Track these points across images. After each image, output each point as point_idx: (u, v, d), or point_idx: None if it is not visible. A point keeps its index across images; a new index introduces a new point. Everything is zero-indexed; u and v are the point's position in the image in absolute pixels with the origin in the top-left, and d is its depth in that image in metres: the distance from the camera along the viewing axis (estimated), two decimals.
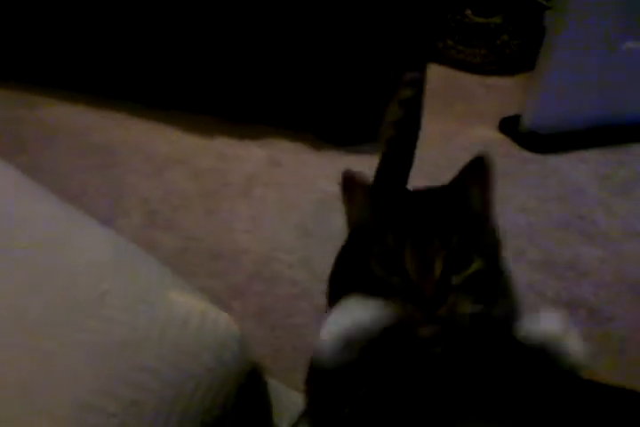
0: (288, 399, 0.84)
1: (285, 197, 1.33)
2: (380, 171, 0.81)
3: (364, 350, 0.52)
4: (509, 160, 1.51)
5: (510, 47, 2.00)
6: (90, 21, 1.51)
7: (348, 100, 1.50)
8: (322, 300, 0.77)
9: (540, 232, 1.27)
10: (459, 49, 2.03)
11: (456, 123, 1.69)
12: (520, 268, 1.15)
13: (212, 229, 1.24)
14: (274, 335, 0.99)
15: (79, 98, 1.55)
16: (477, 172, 0.58)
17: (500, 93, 1.88)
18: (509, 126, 1.65)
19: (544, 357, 0.51)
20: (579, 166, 1.52)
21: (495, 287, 0.58)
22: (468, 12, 1.99)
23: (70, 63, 1.59)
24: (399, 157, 0.81)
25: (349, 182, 0.60)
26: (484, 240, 0.57)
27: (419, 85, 0.90)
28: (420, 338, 0.55)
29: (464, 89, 1.89)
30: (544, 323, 0.53)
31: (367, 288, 0.57)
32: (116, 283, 0.57)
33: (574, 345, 0.52)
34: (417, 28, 1.89)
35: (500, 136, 1.63)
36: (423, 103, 0.88)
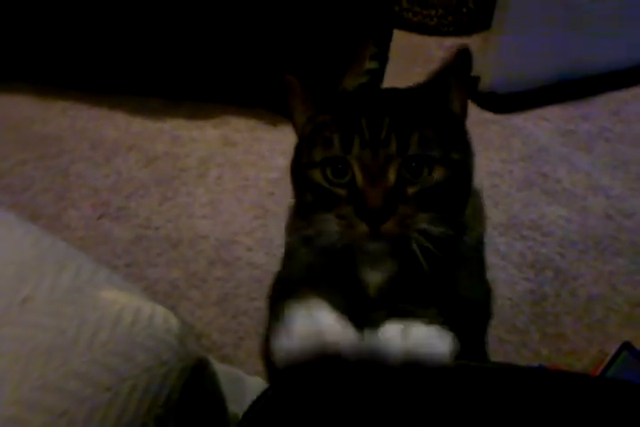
0: (251, 386, 0.82)
1: (242, 177, 1.29)
2: None
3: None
4: (470, 122, 1.47)
5: (467, 6, 1.95)
6: (28, 7, 1.44)
7: (303, 70, 1.45)
8: None
9: (503, 194, 1.25)
10: (415, 11, 1.98)
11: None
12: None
13: (169, 216, 1.20)
14: (237, 322, 0.97)
15: (18, 87, 1.48)
16: (463, 66, 0.51)
17: None
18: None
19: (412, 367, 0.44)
20: (541, 124, 1.50)
21: (461, 209, 0.52)
22: None
23: (6, 52, 1.51)
24: None
25: (291, 86, 0.53)
26: (455, 149, 0.50)
27: (383, 57, 0.88)
28: (368, 253, 0.51)
29: (422, 52, 1.84)
30: (393, 335, 0.45)
31: (311, 205, 0.51)
32: (39, 285, 0.53)
33: (436, 347, 0.44)
34: None
35: None
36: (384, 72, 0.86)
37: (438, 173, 0.48)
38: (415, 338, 0.44)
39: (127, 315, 0.52)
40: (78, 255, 0.60)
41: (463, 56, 0.50)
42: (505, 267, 1.08)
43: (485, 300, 0.61)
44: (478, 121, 1.49)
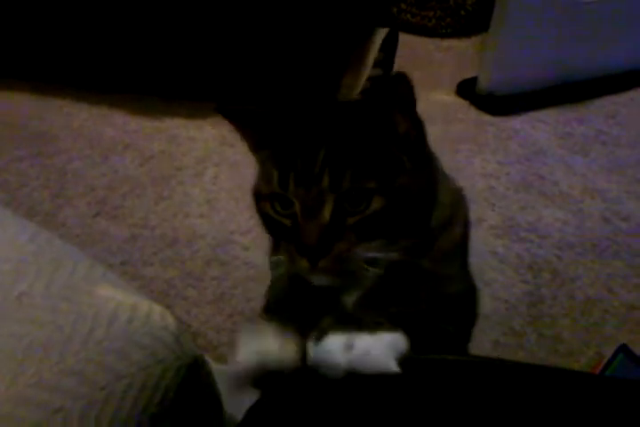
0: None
1: (239, 177, 1.29)
2: None
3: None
4: (468, 124, 1.49)
5: (465, 8, 1.95)
6: (26, 5, 1.43)
7: (302, 72, 1.45)
8: None
9: (500, 196, 1.25)
10: (413, 12, 1.99)
11: (413, 88, 1.64)
12: (482, 233, 1.14)
13: (165, 215, 1.20)
14: (233, 321, 0.97)
15: (15, 85, 1.47)
16: (402, 89, 0.49)
17: (457, 56, 1.84)
18: (467, 90, 1.62)
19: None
20: (538, 126, 1.51)
21: (418, 226, 0.51)
22: None
23: (4, 49, 1.51)
24: None
25: (233, 125, 0.53)
26: (401, 173, 0.49)
27: (388, 65, 0.88)
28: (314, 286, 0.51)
29: (420, 53, 1.85)
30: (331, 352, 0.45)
31: (268, 230, 0.53)
32: (35, 281, 0.53)
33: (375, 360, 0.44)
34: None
35: (458, 100, 1.60)
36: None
37: (377, 203, 0.48)
38: (358, 349, 0.44)
39: (123, 312, 0.52)
40: (75, 252, 0.60)
41: (402, 81, 0.49)
42: (502, 269, 1.08)
43: (469, 301, 0.60)
44: (475, 123, 1.50)
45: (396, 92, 0.49)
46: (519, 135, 1.46)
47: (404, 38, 1.90)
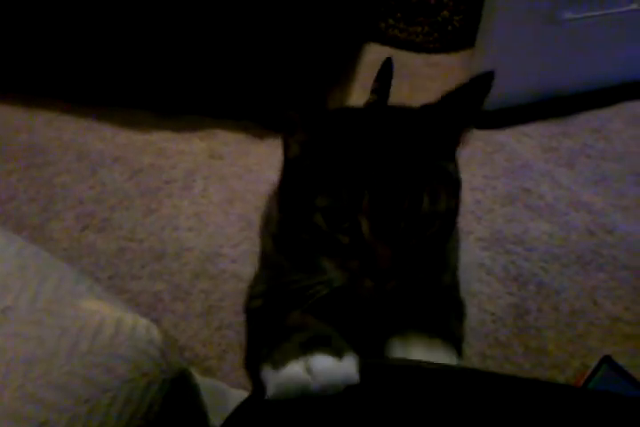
0: (234, 399, 0.82)
1: (228, 190, 1.29)
2: None
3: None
4: None
5: (452, 23, 1.98)
6: (15, 18, 1.44)
7: (290, 85, 1.46)
8: None
9: (487, 209, 1.27)
10: (401, 27, 2.01)
11: (401, 104, 1.66)
12: (468, 245, 1.15)
13: (154, 228, 1.20)
14: (220, 334, 0.96)
15: (4, 97, 1.48)
16: (482, 93, 0.47)
17: (445, 71, 1.86)
18: None
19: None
20: (524, 140, 1.52)
21: (444, 251, 0.53)
22: None
23: None
24: None
25: (293, 121, 0.50)
26: (454, 195, 0.48)
27: (384, 93, 0.90)
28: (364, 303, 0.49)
29: (408, 69, 1.86)
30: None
31: (309, 243, 0.49)
32: (20, 295, 0.53)
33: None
34: (357, 11, 1.86)
35: None
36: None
37: (436, 225, 0.47)
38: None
39: (108, 326, 0.52)
40: (61, 266, 0.60)
41: (488, 81, 0.47)
42: (489, 281, 1.08)
43: (459, 313, 0.62)
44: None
45: (471, 105, 0.47)
46: (505, 149, 1.48)
47: (391, 53, 1.92)
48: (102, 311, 0.53)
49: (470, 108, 0.49)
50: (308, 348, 0.45)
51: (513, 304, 1.04)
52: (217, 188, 1.31)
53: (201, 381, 0.64)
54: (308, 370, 0.43)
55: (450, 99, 0.48)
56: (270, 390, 0.44)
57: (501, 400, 0.43)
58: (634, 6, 1.58)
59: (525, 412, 0.42)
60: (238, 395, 0.80)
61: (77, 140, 1.40)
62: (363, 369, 0.44)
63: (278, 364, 0.45)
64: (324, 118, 0.50)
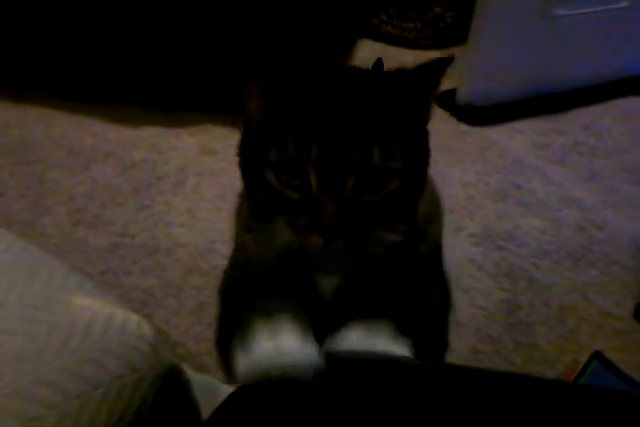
0: (225, 395, 0.82)
1: (220, 185, 1.29)
2: None
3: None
4: (447, 134, 1.51)
5: (444, 20, 1.98)
6: (6, 14, 1.43)
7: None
8: None
9: (479, 205, 1.27)
10: (394, 24, 2.01)
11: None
12: (460, 242, 1.15)
13: (146, 224, 1.19)
14: (212, 330, 0.96)
15: None
16: (441, 67, 0.48)
17: None
18: (447, 100, 1.64)
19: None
20: (516, 137, 1.53)
21: (413, 214, 0.51)
22: None
23: None
24: None
25: (248, 77, 0.49)
26: (415, 156, 0.47)
27: None
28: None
29: (400, 65, 1.86)
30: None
31: (261, 202, 0.49)
32: (10, 291, 0.53)
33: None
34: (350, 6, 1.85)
35: (437, 110, 1.61)
36: None
37: (394, 184, 0.46)
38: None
39: (99, 322, 0.51)
40: (51, 261, 0.60)
41: (442, 67, 0.48)
42: (480, 277, 1.09)
43: (443, 299, 0.61)
44: (454, 133, 1.52)
45: (434, 74, 0.48)
46: (497, 145, 1.49)
47: (384, 49, 1.93)
48: (93, 307, 0.53)
49: (432, 82, 0.49)
50: (276, 330, 0.46)
51: (504, 300, 1.05)
52: (209, 183, 1.30)
53: (193, 377, 0.63)
54: (278, 350, 0.44)
55: (420, 69, 0.49)
56: (240, 370, 0.45)
57: (476, 397, 0.43)
58: (625, 4, 1.59)
59: (510, 408, 0.42)
60: (230, 391, 0.80)
61: (68, 135, 1.39)
62: (335, 362, 0.45)
63: (248, 345, 0.46)
64: (282, 74, 0.49)
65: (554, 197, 1.32)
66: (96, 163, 1.33)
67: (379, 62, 0.92)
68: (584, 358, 0.92)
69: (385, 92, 0.47)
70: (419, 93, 0.48)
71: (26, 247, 0.59)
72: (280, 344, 0.45)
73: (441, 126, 1.53)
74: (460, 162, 1.39)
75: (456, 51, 1.93)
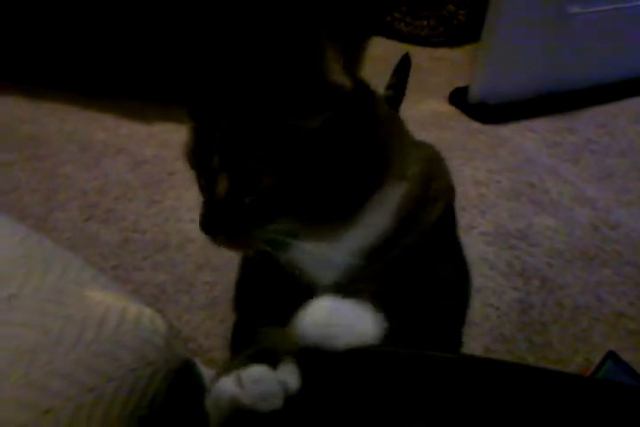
0: None
1: None
2: None
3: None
4: (460, 132, 1.50)
5: (457, 17, 1.97)
6: (18, 9, 1.43)
7: (293, 75, 1.45)
8: None
9: (491, 203, 1.26)
10: (407, 21, 2.00)
11: (406, 97, 1.66)
12: (472, 240, 1.14)
13: (157, 219, 1.19)
14: (224, 326, 0.96)
15: (7, 88, 1.47)
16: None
17: (449, 65, 1.85)
18: (459, 98, 1.63)
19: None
20: (528, 135, 1.52)
21: (336, 212, 0.48)
22: None
23: None
24: None
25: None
26: (296, 154, 0.46)
27: (401, 88, 0.90)
28: None
29: (413, 62, 1.84)
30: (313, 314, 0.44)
31: None
32: (25, 283, 0.53)
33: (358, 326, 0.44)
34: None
35: (450, 108, 1.61)
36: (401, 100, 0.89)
37: (268, 182, 0.46)
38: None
39: (113, 315, 0.51)
40: (65, 255, 0.59)
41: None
42: (493, 276, 1.08)
43: (462, 276, 0.60)
44: (466, 131, 1.51)
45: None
46: (510, 144, 1.48)
47: (396, 47, 1.92)
48: (107, 301, 0.53)
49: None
50: (250, 360, 0.45)
51: (517, 299, 1.04)
52: None
53: (204, 371, 0.63)
54: (239, 382, 0.42)
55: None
56: (207, 407, 0.44)
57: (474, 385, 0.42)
58: None
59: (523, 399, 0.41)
60: None
61: (80, 130, 1.39)
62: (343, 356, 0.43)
63: (215, 379, 0.45)
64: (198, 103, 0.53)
65: (567, 196, 1.30)
66: (108, 158, 1.34)
67: (406, 58, 0.91)
68: (597, 358, 0.91)
69: (252, 104, 0.49)
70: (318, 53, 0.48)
71: (40, 241, 0.59)
72: (242, 375, 0.43)
73: (453, 124, 1.52)
74: (472, 160, 1.38)
75: (469, 49, 1.92)
